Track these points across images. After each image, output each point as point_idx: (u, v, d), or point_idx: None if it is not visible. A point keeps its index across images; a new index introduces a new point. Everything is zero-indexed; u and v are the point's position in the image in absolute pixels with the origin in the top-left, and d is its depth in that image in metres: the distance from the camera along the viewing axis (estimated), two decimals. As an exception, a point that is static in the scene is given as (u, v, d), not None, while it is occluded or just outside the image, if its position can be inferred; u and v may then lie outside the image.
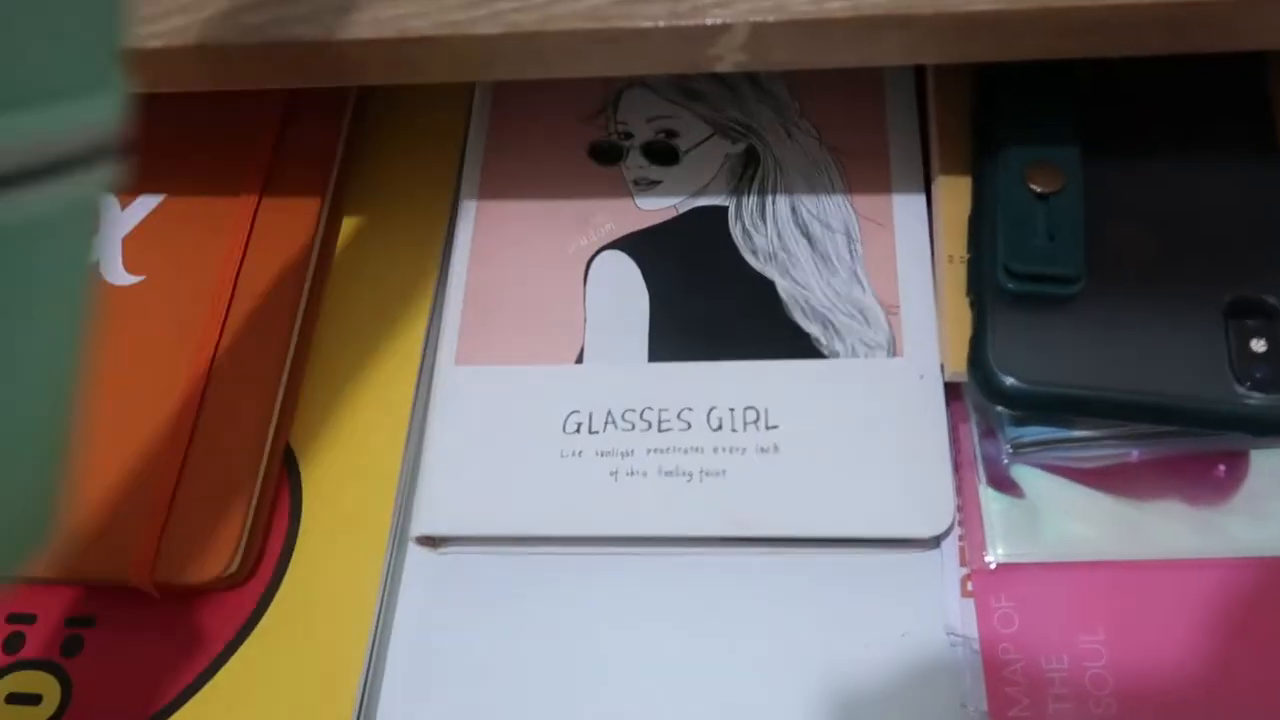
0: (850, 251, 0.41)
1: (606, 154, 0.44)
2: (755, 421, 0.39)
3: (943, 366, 0.37)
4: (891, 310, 0.40)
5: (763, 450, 0.38)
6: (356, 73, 0.34)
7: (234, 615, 0.39)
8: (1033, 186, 0.35)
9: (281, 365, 0.40)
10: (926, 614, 0.35)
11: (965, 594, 0.35)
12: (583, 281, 0.42)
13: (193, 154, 0.44)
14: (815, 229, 0.42)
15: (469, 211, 0.44)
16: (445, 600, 0.39)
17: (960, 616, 0.35)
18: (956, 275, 0.37)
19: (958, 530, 0.35)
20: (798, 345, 0.40)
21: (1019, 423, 0.35)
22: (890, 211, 0.41)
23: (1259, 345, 0.33)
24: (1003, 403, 0.34)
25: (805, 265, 0.41)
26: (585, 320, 0.41)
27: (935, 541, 0.37)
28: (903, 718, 0.34)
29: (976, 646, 0.33)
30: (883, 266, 0.40)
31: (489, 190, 0.45)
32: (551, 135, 0.45)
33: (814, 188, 0.42)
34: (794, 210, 0.42)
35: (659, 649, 0.37)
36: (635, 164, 0.44)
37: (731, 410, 0.39)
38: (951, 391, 0.37)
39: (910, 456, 0.37)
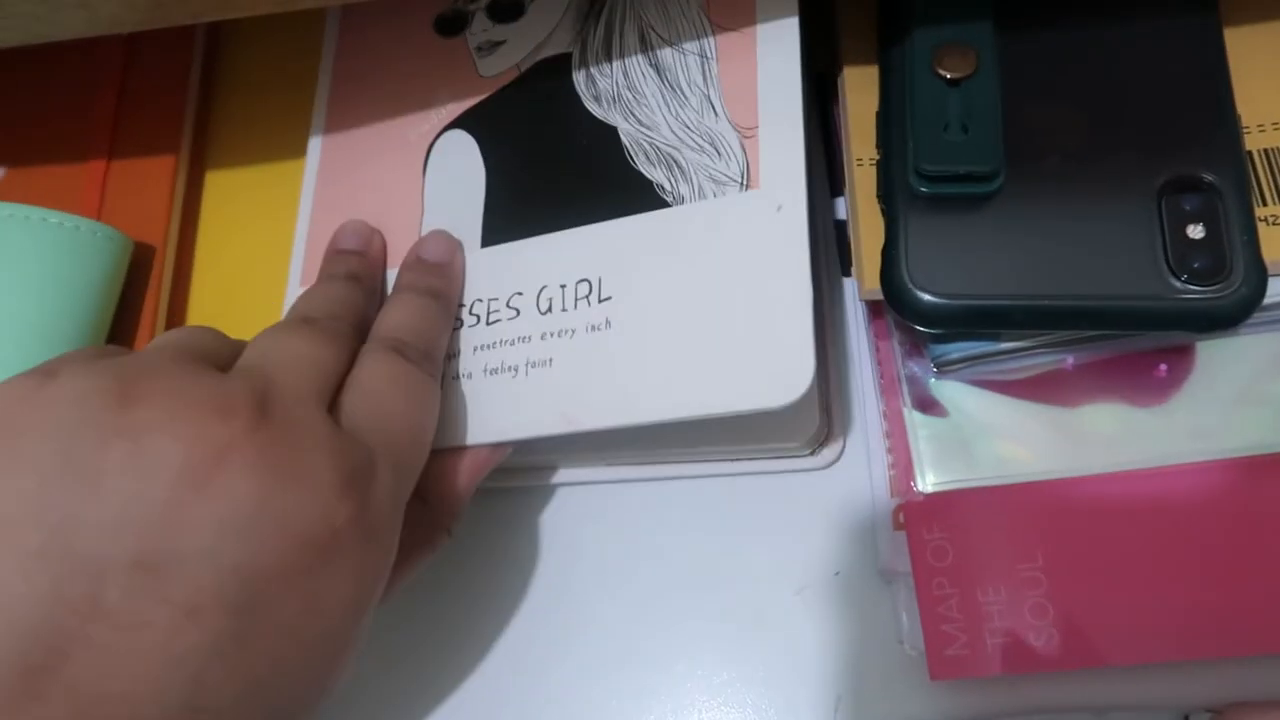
0: (704, 73, 0.32)
1: (450, 24, 0.38)
2: (587, 296, 0.31)
3: (858, 284, 0.31)
4: (747, 134, 0.31)
5: (593, 329, 0.31)
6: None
7: None
8: (941, 72, 0.31)
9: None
10: (858, 552, 0.33)
11: (898, 526, 0.32)
12: (422, 172, 0.35)
13: (23, 124, 0.41)
14: (665, 56, 0.33)
15: (318, 131, 0.39)
16: None
17: (893, 552, 0.32)
18: (867, 180, 0.32)
19: (886, 459, 0.32)
20: (640, 198, 0.32)
21: (943, 339, 0.31)
22: (753, 12, 0.32)
23: (1196, 231, 0.29)
24: (920, 321, 0.29)
25: (651, 100, 0.33)
26: (423, 213, 0.35)
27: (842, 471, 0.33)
28: (840, 662, 0.32)
29: (911, 583, 0.31)
30: (740, 83, 0.32)
31: (338, 102, 0.39)
32: (401, 32, 0.39)
33: (667, 9, 0.34)
34: (642, 38, 0.34)
35: (539, 600, 0.33)
36: (479, 28, 0.37)
37: (563, 288, 0.32)
38: (873, 304, 0.33)
39: (762, 310, 0.29)
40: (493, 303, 0.32)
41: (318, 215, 0.37)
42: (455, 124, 0.36)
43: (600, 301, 0.31)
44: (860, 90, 0.33)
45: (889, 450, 0.32)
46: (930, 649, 0.29)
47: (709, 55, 0.33)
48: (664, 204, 0.31)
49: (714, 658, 0.32)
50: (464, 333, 0.32)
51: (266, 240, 0.39)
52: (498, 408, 0.31)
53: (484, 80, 0.36)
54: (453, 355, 0.32)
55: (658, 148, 0.32)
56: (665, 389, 0.29)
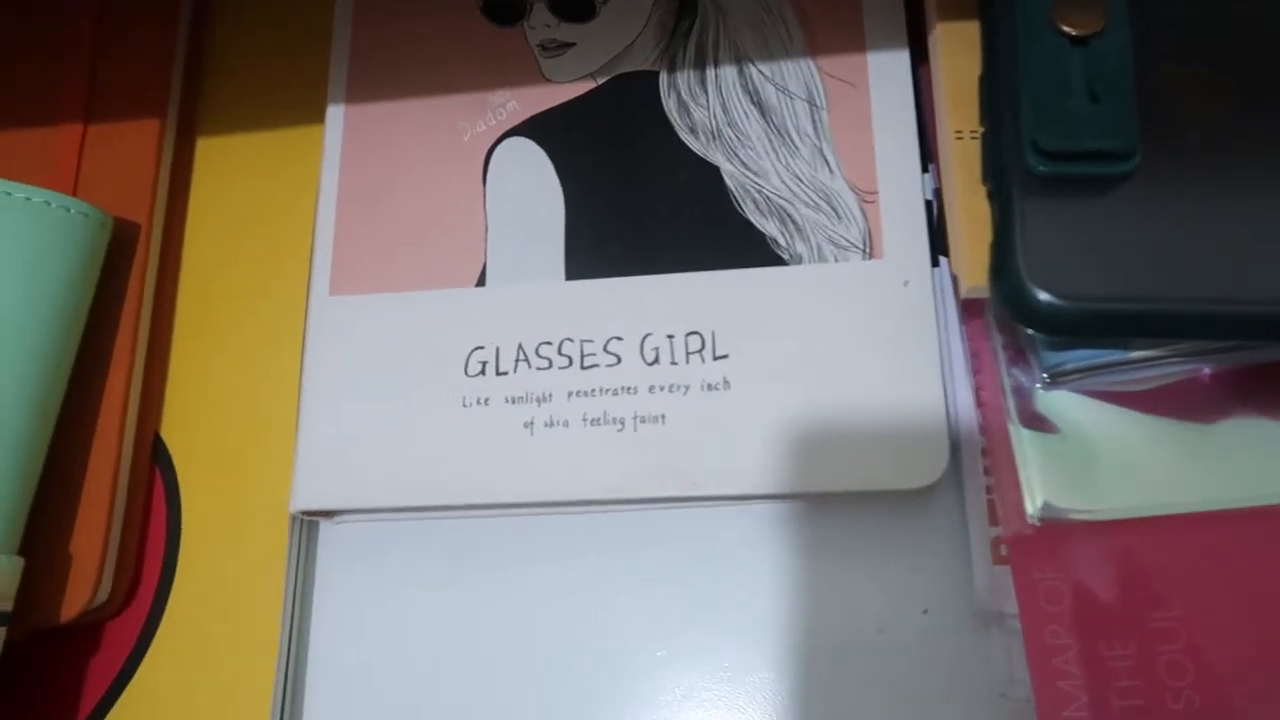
0: (815, 123, 0.32)
1: (503, 10, 0.35)
2: (699, 350, 0.31)
3: (955, 279, 0.29)
4: (867, 198, 0.31)
5: (710, 387, 0.31)
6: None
7: (113, 650, 0.32)
8: (1064, 28, 0.27)
9: (134, 338, 0.33)
10: (950, 587, 0.30)
11: (999, 560, 0.28)
12: (481, 179, 0.33)
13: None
14: (769, 95, 0.33)
15: (337, 104, 0.35)
16: (364, 580, 0.33)
17: (991, 588, 0.28)
18: (968, 156, 0.28)
19: (983, 480, 0.29)
20: (750, 249, 0.32)
21: (1060, 346, 0.28)
22: (864, 68, 0.33)
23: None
24: (1039, 325, 0.26)
25: (757, 144, 0.32)
26: (486, 229, 0.32)
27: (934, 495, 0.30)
28: (927, 712, 0.29)
29: (1016, 625, 0.27)
30: (856, 140, 0.32)
31: (362, 72, 0.35)
32: (435, 1, 0.35)
33: (767, 40, 0.33)
34: (741, 72, 0.33)
35: (608, 625, 0.31)
36: (540, 21, 0.34)
37: (670, 338, 0.31)
38: (969, 303, 0.29)
39: (894, 389, 0.30)
40: (586, 344, 0.31)
41: (346, 210, 0.34)
42: (520, 130, 0.34)
43: (716, 359, 0.31)
44: (958, 51, 0.29)
45: (987, 471, 0.29)
46: (1043, 708, 0.26)
47: (818, 104, 0.33)
48: (779, 260, 0.31)
49: (782, 702, 0.30)
50: (554, 374, 0.31)
51: (267, 220, 0.35)
52: (605, 463, 0.30)
53: (552, 85, 0.34)
54: (542, 398, 0.31)
55: (768, 198, 0.32)
56: (795, 462, 0.30)
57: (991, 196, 0.28)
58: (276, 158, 0.36)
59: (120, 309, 0.33)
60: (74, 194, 0.33)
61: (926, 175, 0.32)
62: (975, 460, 0.30)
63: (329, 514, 0.32)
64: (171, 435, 0.34)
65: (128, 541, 0.32)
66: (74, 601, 0.31)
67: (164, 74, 0.35)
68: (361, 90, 0.35)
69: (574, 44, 0.34)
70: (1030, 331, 0.27)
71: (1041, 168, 0.26)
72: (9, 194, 0.31)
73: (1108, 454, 0.27)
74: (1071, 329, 0.26)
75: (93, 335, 0.32)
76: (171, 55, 0.36)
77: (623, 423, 0.31)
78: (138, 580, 0.32)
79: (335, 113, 0.35)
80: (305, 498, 0.31)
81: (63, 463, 0.31)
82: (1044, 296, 0.25)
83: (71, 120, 0.34)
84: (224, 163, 0.36)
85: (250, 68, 0.37)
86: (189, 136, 0.37)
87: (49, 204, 0.32)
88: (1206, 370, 0.28)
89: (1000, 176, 0.27)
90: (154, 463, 0.33)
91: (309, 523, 0.33)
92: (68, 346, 0.31)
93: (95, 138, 0.34)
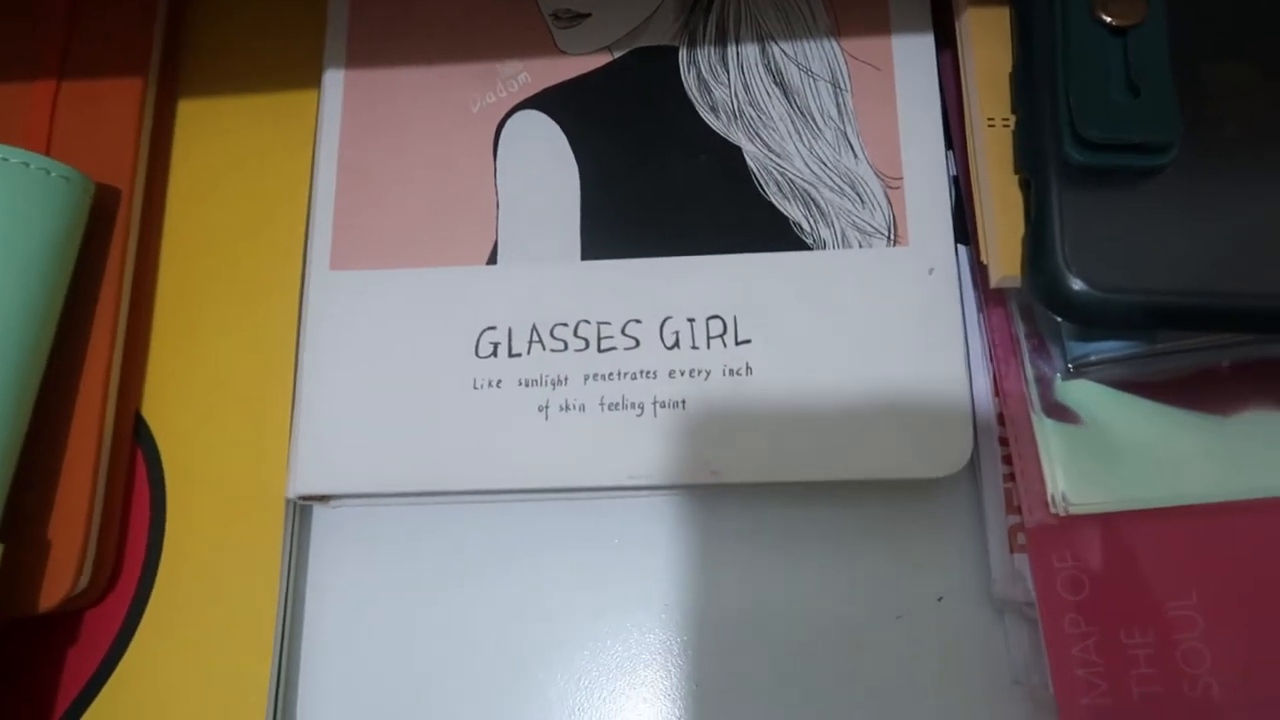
0: (838, 105, 0.32)
1: (514, -25, 0.33)
2: (721, 335, 0.30)
3: (983, 267, 0.28)
4: (892, 184, 0.31)
5: (732, 372, 0.30)
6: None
7: (95, 640, 0.30)
8: (1104, 18, 0.27)
9: (115, 312, 0.31)
10: (967, 575, 0.30)
11: (1016, 548, 0.28)
12: (492, 153, 0.31)
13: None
14: (792, 75, 0.32)
15: (336, 69, 0.33)
16: (362, 563, 0.32)
17: (1009, 577, 0.28)
18: (1000, 144, 0.28)
19: (1001, 469, 0.29)
20: (774, 232, 0.31)
21: (1086, 336, 0.28)
22: (889, 51, 0.32)
23: None
24: (1076, 316, 0.26)
25: (780, 124, 0.32)
26: (498, 205, 0.31)
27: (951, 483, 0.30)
28: (943, 700, 0.29)
29: (1034, 615, 0.27)
30: (880, 125, 0.32)
31: (361, 39, 0.34)
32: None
33: (789, 19, 0.33)
34: (764, 50, 0.32)
35: (619, 614, 0.31)
36: (553, -12, 0.33)
37: (691, 321, 0.30)
38: (991, 291, 0.29)
39: (918, 378, 0.29)
40: (603, 326, 0.31)
41: (347, 181, 0.32)
42: (532, 103, 0.33)
43: (738, 344, 0.30)
44: (988, 38, 0.29)
45: (1005, 459, 0.29)
46: (1062, 695, 0.26)
47: (843, 87, 0.32)
48: (803, 245, 0.31)
49: (801, 688, 0.30)
50: (570, 356, 0.30)
51: (256, 188, 0.34)
52: (624, 448, 0.30)
53: (567, 57, 0.33)
54: (558, 381, 0.30)
55: (791, 180, 0.31)
56: (820, 449, 0.29)
57: (1025, 185, 0.28)
58: (265, 123, 0.34)
59: (100, 279, 0.31)
60: (46, 154, 0.30)
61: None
62: (993, 449, 0.30)
63: (325, 499, 0.31)
64: (154, 414, 0.32)
65: (108, 526, 0.30)
66: (54, 590, 0.29)
67: (145, 30, 0.33)
68: (362, 55, 0.33)
69: (589, 15, 0.33)
70: (1060, 321, 0.28)
71: (1080, 158, 0.26)
72: (-21, 154, 0.29)
73: (1128, 445, 0.28)
74: (1107, 320, 0.26)
75: (70, 307, 0.30)
76: (153, 10, 0.33)
77: (642, 407, 0.30)
78: (120, 567, 0.31)
79: (334, 77, 0.33)
80: (304, 482, 0.30)
81: (40, 444, 0.29)
82: (1080, 287, 0.25)
83: (44, 78, 0.32)
84: (209, 127, 0.34)
85: (238, 25, 0.35)
86: (171, 98, 0.34)
87: (27, 165, 0.29)
88: (1225, 362, 0.28)
89: (1037, 165, 0.27)
90: (136, 443, 0.31)
91: (303, 507, 0.31)
92: (48, 319, 0.29)
93: (71, 98, 0.32)
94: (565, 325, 0.31)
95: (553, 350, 0.30)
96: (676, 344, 0.30)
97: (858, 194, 0.31)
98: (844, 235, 0.31)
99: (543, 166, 0.32)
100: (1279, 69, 0.27)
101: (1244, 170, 0.26)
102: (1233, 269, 0.26)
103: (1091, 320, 0.26)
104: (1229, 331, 0.27)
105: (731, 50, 0.32)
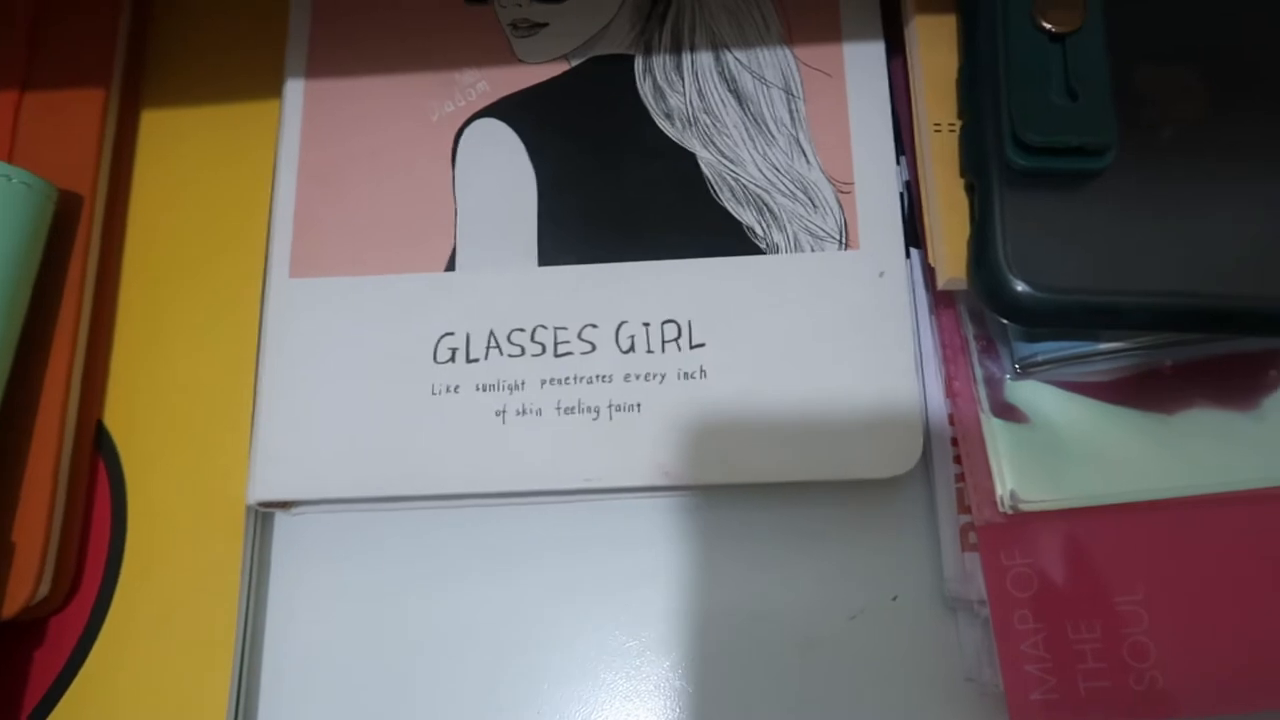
0: (791, 112, 0.32)
1: (472, -14, 0.34)
2: (676, 339, 0.31)
3: (931, 270, 0.29)
4: (843, 189, 0.31)
5: (686, 376, 0.30)
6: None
7: (55, 648, 0.30)
8: (1045, 25, 0.27)
9: (76, 320, 0.31)
10: (919, 574, 0.30)
11: (968, 547, 0.29)
12: (451, 161, 0.32)
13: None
14: (746, 83, 0.33)
15: (296, 78, 0.34)
16: (324, 570, 0.32)
17: (962, 576, 0.29)
18: (946, 148, 0.29)
19: (953, 469, 0.29)
20: (727, 237, 0.31)
21: (1031, 337, 0.28)
22: (841, 58, 0.33)
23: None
24: (1018, 317, 0.26)
25: (734, 132, 0.32)
26: (456, 213, 0.32)
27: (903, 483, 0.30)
28: (897, 699, 0.30)
29: (985, 612, 0.28)
30: (832, 131, 0.32)
31: (321, 48, 0.34)
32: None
33: (743, 27, 0.33)
34: (718, 59, 0.33)
35: (580, 617, 0.31)
36: (512, 0, 0.33)
37: (646, 325, 0.31)
38: (940, 294, 0.30)
39: (869, 380, 0.30)
40: (560, 331, 0.31)
41: (306, 189, 0.33)
42: (491, 111, 0.33)
43: (693, 348, 0.31)
44: (935, 44, 0.30)
45: (956, 459, 0.29)
46: (1012, 692, 0.27)
47: (795, 94, 0.33)
48: (756, 249, 0.31)
49: (760, 686, 0.30)
50: (527, 361, 0.31)
51: (217, 196, 0.34)
52: (579, 452, 0.30)
53: (524, 66, 0.33)
54: (514, 386, 0.31)
55: (745, 186, 0.32)
56: (773, 450, 0.30)
57: (970, 189, 0.28)
58: (227, 132, 0.34)
59: (62, 287, 0.32)
60: (8, 161, 0.31)
61: (899, 167, 0.32)
62: (945, 449, 0.30)
63: (286, 505, 0.31)
64: (115, 422, 0.32)
65: (69, 534, 0.30)
66: (15, 597, 0.29)
67: (108, 39, 0.33)
68: (323, 64, 0.34)
69: (546, 24, 0.33)
70: (1006, 322, 0.28)
71: (1022, 161, 0.27)
72: (-58, 162, 0.29)
73: (1075, 443, 0.28)
74: (1049, 320, 0.26)
75: (32, 314, 0.30)
76: (116, 20, 0.34)
77: (598, 411, 0.30)
78: (80, 575, 0.31)
79: (294, 86, 0.33)
80: (264, 488, 0.30)
81: (1, 451, 0.30)
82: (1022, 288, 0.26)
83: (7, 87, 0.32)
84: (170, 136, 0.35)
85: (200, 34, 0.36)
86: (134, 106, 0.35)
87: (-13, 173, 0.30)
88: (1168, 362, 0.29)
89: (980, 169, 0.27)
90: (97, 451, 0.31)
91: (264, 514, 0.32)
92: (10, 326, 0.30)
93: (34, 106, 0.32)
94: (522, 330, 0.31)
95: (510, 355, 0.31)
96: (632, 348, 0.30)
97: (810, 199, 0.31)
98: (796, 240, 0.31)
99: (500, 174, 0.32)
100: (1213, 73, 0.28)
101: (1181, 172, 0.27)
102: (1172, 270, 0.26)
103: (1034, 320, 0.27)
104: (1169, 331, 0.27)
105: (686, 58, 0.33)
